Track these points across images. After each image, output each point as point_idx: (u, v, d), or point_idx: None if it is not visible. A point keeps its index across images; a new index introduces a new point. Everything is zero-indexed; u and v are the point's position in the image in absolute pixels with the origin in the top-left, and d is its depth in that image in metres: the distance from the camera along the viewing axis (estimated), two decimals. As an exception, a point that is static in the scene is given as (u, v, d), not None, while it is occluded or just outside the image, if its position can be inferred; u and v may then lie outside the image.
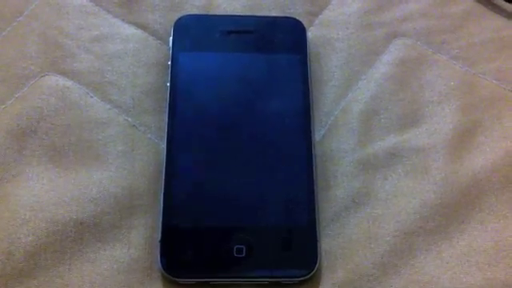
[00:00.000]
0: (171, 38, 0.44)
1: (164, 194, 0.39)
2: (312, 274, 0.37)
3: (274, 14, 0.47)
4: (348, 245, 0.39)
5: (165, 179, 0.39)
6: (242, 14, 0.47)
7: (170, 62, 0.43)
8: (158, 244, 0.38)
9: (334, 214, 0.40)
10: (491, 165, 0.41)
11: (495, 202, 0.40)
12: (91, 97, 0.43)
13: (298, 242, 0.38)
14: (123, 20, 0.46)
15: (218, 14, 0.47)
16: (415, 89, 0.45)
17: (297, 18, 0.46)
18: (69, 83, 0.43)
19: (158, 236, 0.38)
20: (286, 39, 0.45)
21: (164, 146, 0.41)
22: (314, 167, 0.40)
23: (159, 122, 0.42)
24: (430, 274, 0.38)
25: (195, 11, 0.47)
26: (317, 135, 0.43)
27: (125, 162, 0.41)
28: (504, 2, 0.48)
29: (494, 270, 0.38)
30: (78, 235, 0.38)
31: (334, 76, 0.45)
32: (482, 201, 0.40)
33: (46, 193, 0.39)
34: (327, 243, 0.39)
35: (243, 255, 0.37)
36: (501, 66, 0.46)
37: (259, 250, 0.38)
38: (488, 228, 0.40)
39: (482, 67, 0.46)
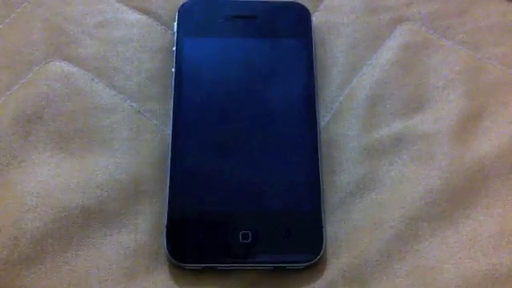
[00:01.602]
0: (176, 23, 0.44)
1: (170, 179, 0.39)
2: (317, 259, 0.37)
3: (278, -1, 0.47)
4: (353, 230, 0.39)
5: (170, 165, 0.39)
6: (246, -1, 0.47)
7: (174, 48, 0.43)
8: (165, 229, 0.38)
9: (339, 199, 0.40)
10: (497, 150, 0.41)
11: (500, 187, 0.40)
12: (96, 83, 0.43)
13: (303, 228, 0.38)
14: (127, 5, 0.46)
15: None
16: (420, 74, 0.44)
17: (301, 3, 0.46)
18: (74, 69, 0.43)
19: (164, 221, 0.38)
20: (290, 24, 0.45)
21: (169, 131, 0.41)
22: (319, 153, 0.40)
23: (164, 108, 0.42)
24: (435, 260, 0.38)
25: (200, -4, 0.47)
26: (322, 121, 0.43)
27: (130, 148, 0.41)
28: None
29: (499, 255, 0.38)
30: (84, 221, 0.38)
31: (339, 61, 0.45)
32: (488, 186, 0.40)
33: (51, 179, 0.39)
34: (332, 229, 0.39)
35: (249, 241, 0.38)
36: (506, 51, 0.46)
37: (265, 235, 0.38)
38: (493, 213, 0.40)
39: (487, 52, 0.46)
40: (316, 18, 0.47)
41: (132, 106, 0.42)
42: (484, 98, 0.44)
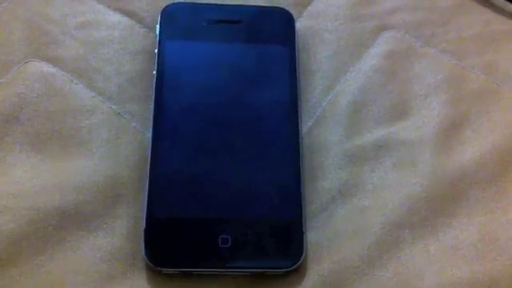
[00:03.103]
0: (158, 25, 0.44)
1: (149, 183, 0.38)
2: (297, 265, 0.37)
3: (262, 3, 0.47)
4: (334, 236, 0.39)
5: (150, 168, 0.39)
6: (230, 3, 0.46)
7: (156, 50, 0.43)
8: (142, 233, 0.37)
9: (320, 205, 0.40)
10: (478, 158, 0.41)
11: (482, 195, 0.40)
12: (75, 84, 0.42)
13: (283, 234, 0.38)
14: (109, 7, 0.46)
15: (206, 2, 0.46)
16: (403, 81, 0.44)
17: (286, 8, 0.46)
18: (53, 70, 0.42)
19: (142, 225, 0.37)
20: (274, 29, 0.45)
21: (149, 134, 0.40)
22: (301, 158, 0.40)
23: (144, 111, 0.42)
24: (417, 267, 0.38)
25: (183, -1, 0.46)
26: (304, 126, 0.42)
27: (109, 150, 0.40)
28: (493, -4, 0.48)
29: (480, 263, 0.38)
30: (60, 223, 0.38)
31: (323, 67, 0.45)
32: (469, 194, 0.40)
33: (28, 180, 0.38)
34: (313, 235, 0.39)
35: (228, 245, 0.37)
36: (489, 60, 0.46)
37: (244, 240, 0.37)
38: (475, 221, 0.39)
39: (470, 61, 0.46)
40: (300, 24, 0.46)
41: (111, 107, 0.42)
42: (466, 107, 0.44)
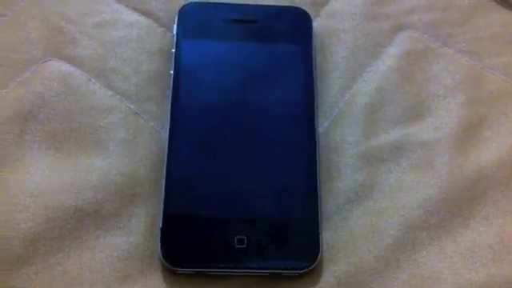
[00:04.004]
0: (175, 25, 0.44)
1: (165, 182, 0.38)
2: (313, 266, 0.37)
3: (279, 3, 0.47)
4: (350, 238, 0.39)
5: (166, 167, 0.39)
6: (247, 2, 0.46)
7: (173, 50, 0.43)
8: (159, 233, 0.37)
9: (336, 206, 0.40)
10: (497, 160, 0.41)
11: (500, 197, 0.40)
12: (93, 83, 0.42)
13: (299, 234, 0.38)
14: (127, 6, 0.46)
15: (223, 2, 0.46)
16: (421, 82, 0.44)
17: (303, 8, 0.46)
18: (71, 69, 0.43)
19: (159, 224, 0.37)
20: (291, 29, 0.45)
21: (166, 134, 0.40)
22: (317, 159, 0.40)
23: (162, 110, 0.42)
24: (433, 269, 0.38)
25: (200, -1, 0.46)
26: (321, 127, 0.42)
27: (126, 149, 0.40)
28: (513, -4, 0.48)
29: (498, 266, 0.38)
30: (77, 222, 0.38)
31: (339, 67, 0.45)
32: (487, 196, 0.40)
33: (45, 179, 0.39)
34: (329, 236, 0.39)
35: (244, 246, 0.37)
36: (508, 61, 0.45)
37: (260, 241, 0.37)
38: (493, 224, 0.39)
39: (488, 61, 0.45)
40: (317, 24, 0.46)
41: (129, 107, 0.42)
42: (485, 108, 0.43)
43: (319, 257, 0.37)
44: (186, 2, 0.45)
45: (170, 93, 0.41)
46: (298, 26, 0.45)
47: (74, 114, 0.41)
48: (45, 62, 0.43)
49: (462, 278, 0.37)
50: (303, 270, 0.37)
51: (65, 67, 0.43)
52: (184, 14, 0.44)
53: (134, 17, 0.45)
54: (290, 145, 0.40)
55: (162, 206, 0.38)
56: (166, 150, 0.40)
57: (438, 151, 0.41)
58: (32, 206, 0.38)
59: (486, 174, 0.41)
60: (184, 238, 0.37)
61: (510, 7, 0.48)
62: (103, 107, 0.42)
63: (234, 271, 0.37)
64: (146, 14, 0.46)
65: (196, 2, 0.45)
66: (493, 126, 0.43)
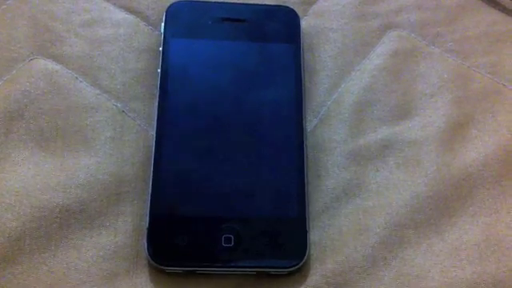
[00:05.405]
0: (163, 23, 0.44)
1: (152, 181, 0.38)
2: (301, 265, 0.37)
3: (267, 2, 0.47)
4: (338, 236, 0.39)
5: (153, 166, 0.39)
6: (235, 1, 0.46)
7: (161, 48, 0.43)
8: (146, 231, 0.37)
9: (324, 204, 0.40)
10: (483, 158, 0.41)
11: (487, 195, 0.40)
12: (80, 81, 0.42)
13: (287, 233, 0.38)
14: (114, 4, 0.46)
15: (211, 0, 0.46)
16: (408, 81, 0.44)
17: (291, 6, 0.46)
18: (58, 67, 0.42)
19: (146, 223, 0.37)
20: (279, 28, 0.44)
21: (153, 133, 0.40)
22: (305, 157, 0.40)
23: (149, 109, 0.42)
24: (420, 267, 0.38)
25: (188, -3, 0.46)
26: (309, 125, 0.42)
27: (113, 148, 0.40)
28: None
29: (484, 263, 0.38)
30: (63, 221, 0.37)
31: (327, 66, 0.45)
32: (474, 194, 0.40)
33: (31, 178, 0.38)
34: (317, 234, 0.39)
35: (231, 245, 0.37)
36: (495, 60, 0.45)
37: (248, 239, 0.37)
38: (479, 222, 0.39)
39: (475, 61, 0.45)
40: (305, 23, 0.46)
41: (116, 105, 0.42)
42: (471, 107, 0.43)
43: (307, 255, 0.37)
44: (174, 1, 0.45)
45: (157, 91, 0.41)
46: (287, 24, 0.45)
47: (60, 112, 0.41)
48: (31, 60, 0.43)
49: (448, 275, 0.37)
50: (291, 269, 0.37)
51: (51, 65, 0.42)
52: (172, 12, 0.44)
53: (122, 15, 0.45)
54: (277, 143, 0.40)
55: (148, 204, 0.38)
56: (153, 149, 0.39)
57: (425, 150, 0.41)
58: (18, 204, 0.37)
59: (473, 172, 0.41)
60: (171, 237, 0.37)
61: (497, 7, 0.48)
62: (90, 105, 0.41)
63: (222, 270, 0.37)
64: (134, 12, 0.46)
65: (184, 1, 0.45)
66: (479, 124, 0.43)
